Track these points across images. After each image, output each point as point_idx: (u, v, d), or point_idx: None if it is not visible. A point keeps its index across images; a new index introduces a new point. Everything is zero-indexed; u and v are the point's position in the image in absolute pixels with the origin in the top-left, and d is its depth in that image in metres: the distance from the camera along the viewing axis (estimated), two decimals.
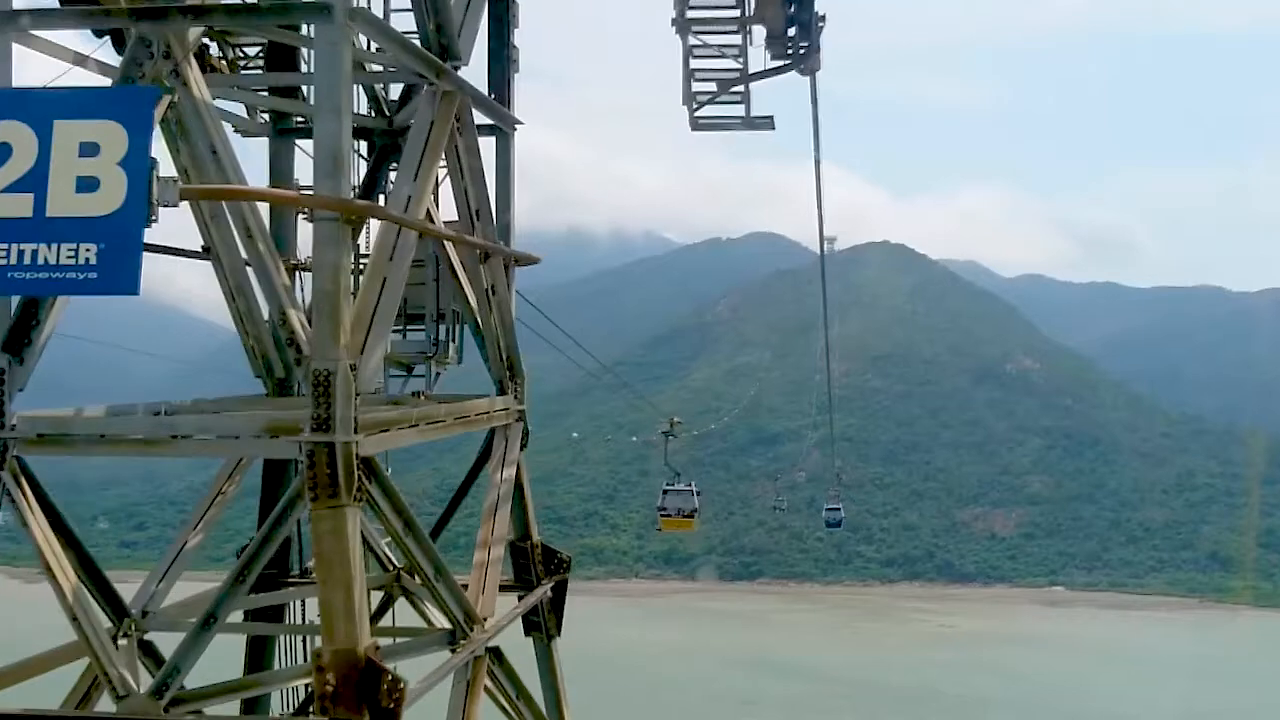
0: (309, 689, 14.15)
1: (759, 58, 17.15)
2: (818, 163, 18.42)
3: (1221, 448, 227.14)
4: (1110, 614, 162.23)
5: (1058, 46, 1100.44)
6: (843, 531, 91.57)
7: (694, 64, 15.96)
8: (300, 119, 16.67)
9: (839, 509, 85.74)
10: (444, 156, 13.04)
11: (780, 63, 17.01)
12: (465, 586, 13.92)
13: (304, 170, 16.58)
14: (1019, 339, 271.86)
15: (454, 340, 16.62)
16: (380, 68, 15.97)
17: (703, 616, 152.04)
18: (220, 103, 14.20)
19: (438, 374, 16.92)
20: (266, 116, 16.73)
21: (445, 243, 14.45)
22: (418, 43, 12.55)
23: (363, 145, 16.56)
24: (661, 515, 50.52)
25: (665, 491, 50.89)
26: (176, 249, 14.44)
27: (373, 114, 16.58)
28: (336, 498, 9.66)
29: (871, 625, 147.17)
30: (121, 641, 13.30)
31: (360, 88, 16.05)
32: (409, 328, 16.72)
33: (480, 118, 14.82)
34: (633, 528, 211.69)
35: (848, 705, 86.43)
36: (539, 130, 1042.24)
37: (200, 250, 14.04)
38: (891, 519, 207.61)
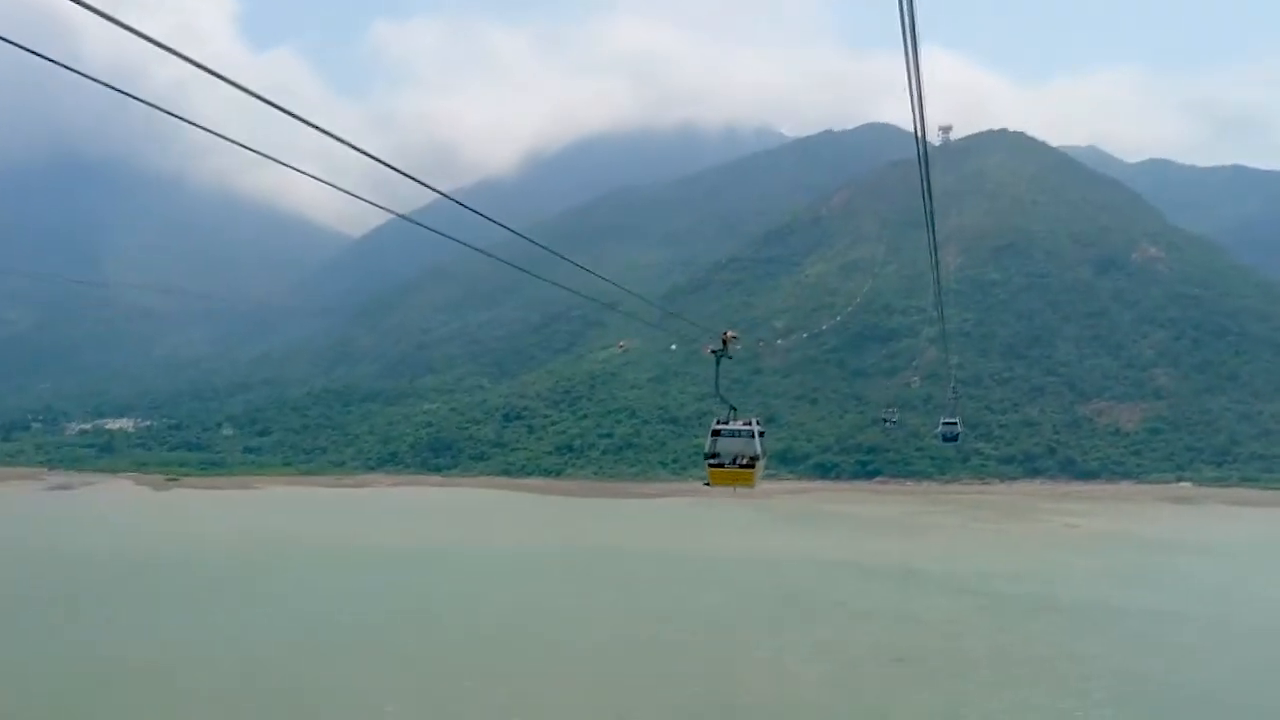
0: None
1: None
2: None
3: None
4: (1242, 510, 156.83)
5: None
6: (961, 428, 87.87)
7: None
8: None
9: (956, 423, 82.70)
10: None
11: None
12: None
13: None
14: (1144, 226, 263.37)
15: None
16: None
17: (830, 522, 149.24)
18: None
19: None
20: None
21: None
22: None
23: None
24: (710, 465, 36.32)
25: (716, 432, 36.53)
26: None
27: None
28: None
29: (1011, 527, 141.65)
30: None
31: None
32: None
33: None
34: None
35: (1027, 625, 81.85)
36: (657, 25, 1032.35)
37: None
38: (1011, 415, 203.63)
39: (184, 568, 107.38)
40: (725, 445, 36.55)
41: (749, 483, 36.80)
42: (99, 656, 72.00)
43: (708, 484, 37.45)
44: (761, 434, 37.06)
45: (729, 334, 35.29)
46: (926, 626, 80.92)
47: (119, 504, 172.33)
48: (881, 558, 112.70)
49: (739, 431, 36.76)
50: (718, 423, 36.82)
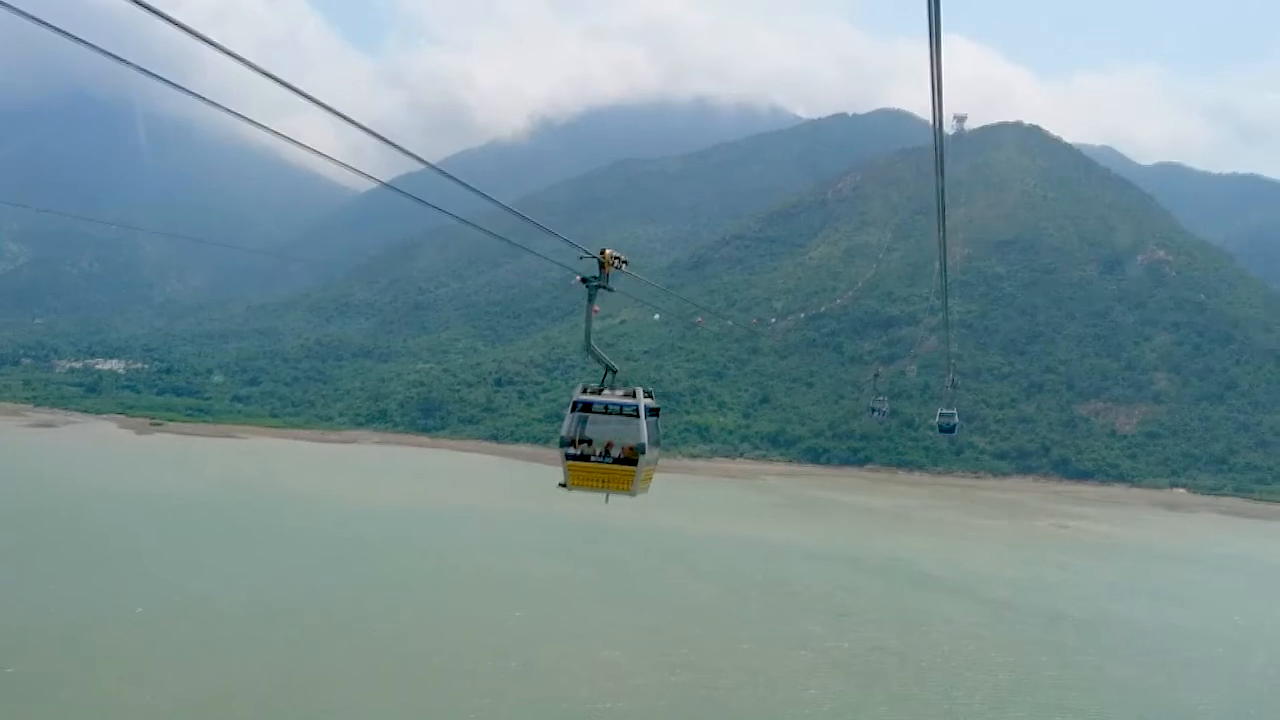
0: None
1: None
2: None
3: None
4: (1238, 521, 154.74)
5: None
6: (958, 420, 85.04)
7: None
8: None
9: (953, 414, 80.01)
10: None
11: None
12: None
13: None
14: (1153, 229, 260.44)
15: None
16: None
17: (821, 509, 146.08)
18: None
19: None
20: None
21: None
22: None
23: None
24: (568, 458, 25.53)
25: (582, 407, 25.59)
26: None
27: None
28: None
29: (1004, 525, 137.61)
30: None
31: None
32: None
33: None
34: (740, 406, 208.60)
35: (1018, 630, 78.10)
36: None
37: None
38: (1008, 410, 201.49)
39: (129, 513, 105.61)
40: (596, 428, 25.67)
41: (625, 487, 25.50)
42: None
43: (564, 486, 25.81)
44: (655, 413, 26.10)
45: (608, 252, 23.87)
46: (914, 626, 78.72)
47: (96, 445, 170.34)
48: (872, 549, 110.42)
49: (618, 406, 25.36)
50: (584, 391, 25.70)
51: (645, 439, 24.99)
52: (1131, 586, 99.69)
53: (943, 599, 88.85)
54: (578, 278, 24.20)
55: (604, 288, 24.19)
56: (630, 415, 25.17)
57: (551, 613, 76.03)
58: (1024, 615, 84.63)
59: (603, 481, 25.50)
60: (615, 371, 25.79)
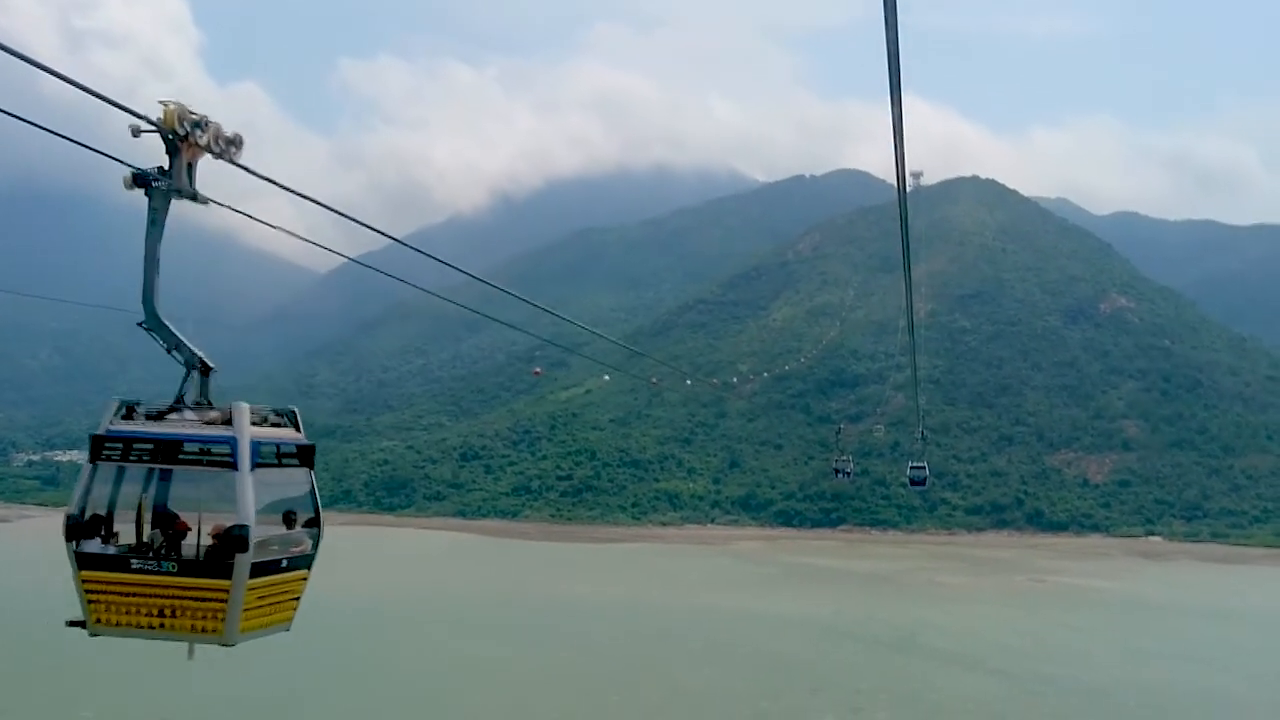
0: None
1: None
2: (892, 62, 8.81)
3: None
4: (1216, 568, 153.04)
5: None
6: (928, 473, 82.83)
7: None
8: None
9: (924, 467, 78.67)
10: None
11: None
12: None
13: None
14: (1114, 277, 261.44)
15: None
16: None
17: (804, 575, 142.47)
18: None
19: None
20: None
21: None
22: None
23: None
24: (79, 560, 13.14)
25: (118, 446, 13.34)
26: None
27: None
28: None
29: (988, 582, 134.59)
30: None
31: None
32: None
33: None
34: (710, 471, 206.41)
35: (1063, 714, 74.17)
36: (629, 70, 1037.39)
37: None
38: (979, 465, 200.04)
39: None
40: (165, 494, 13.91)
41: (212, 626, 12.66)
42: None
43: (79, 625, 13.20)
44: (300, 459, 14.76)
45: (174, 108, 12.51)
46: (906, 697, 75.60)
47: (42, 541, 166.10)
48: (854, 615, 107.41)
49: (195, 443, 13.12)
50: (127, 413, 13.77)
51: (250, 514, 12.66)
52: (1133, 645, 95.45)
53: (933, 665, 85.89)
54: (128, 174, 13.19)
55: (181, 193, 13.16)
56: (219, 463, 12.95)
57: (528, 699, 73.18)
58: (1029, 683, 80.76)
59: (162, 613, 12.66)
60: (208, 371, 13.88)
